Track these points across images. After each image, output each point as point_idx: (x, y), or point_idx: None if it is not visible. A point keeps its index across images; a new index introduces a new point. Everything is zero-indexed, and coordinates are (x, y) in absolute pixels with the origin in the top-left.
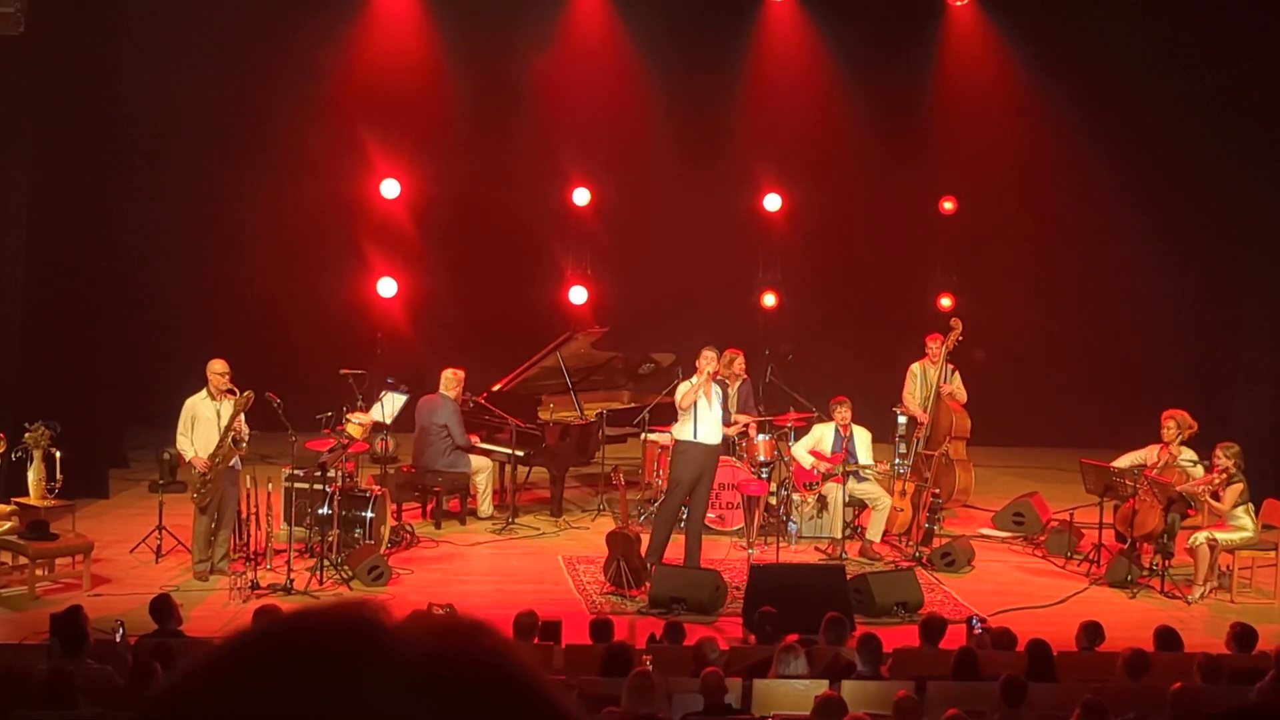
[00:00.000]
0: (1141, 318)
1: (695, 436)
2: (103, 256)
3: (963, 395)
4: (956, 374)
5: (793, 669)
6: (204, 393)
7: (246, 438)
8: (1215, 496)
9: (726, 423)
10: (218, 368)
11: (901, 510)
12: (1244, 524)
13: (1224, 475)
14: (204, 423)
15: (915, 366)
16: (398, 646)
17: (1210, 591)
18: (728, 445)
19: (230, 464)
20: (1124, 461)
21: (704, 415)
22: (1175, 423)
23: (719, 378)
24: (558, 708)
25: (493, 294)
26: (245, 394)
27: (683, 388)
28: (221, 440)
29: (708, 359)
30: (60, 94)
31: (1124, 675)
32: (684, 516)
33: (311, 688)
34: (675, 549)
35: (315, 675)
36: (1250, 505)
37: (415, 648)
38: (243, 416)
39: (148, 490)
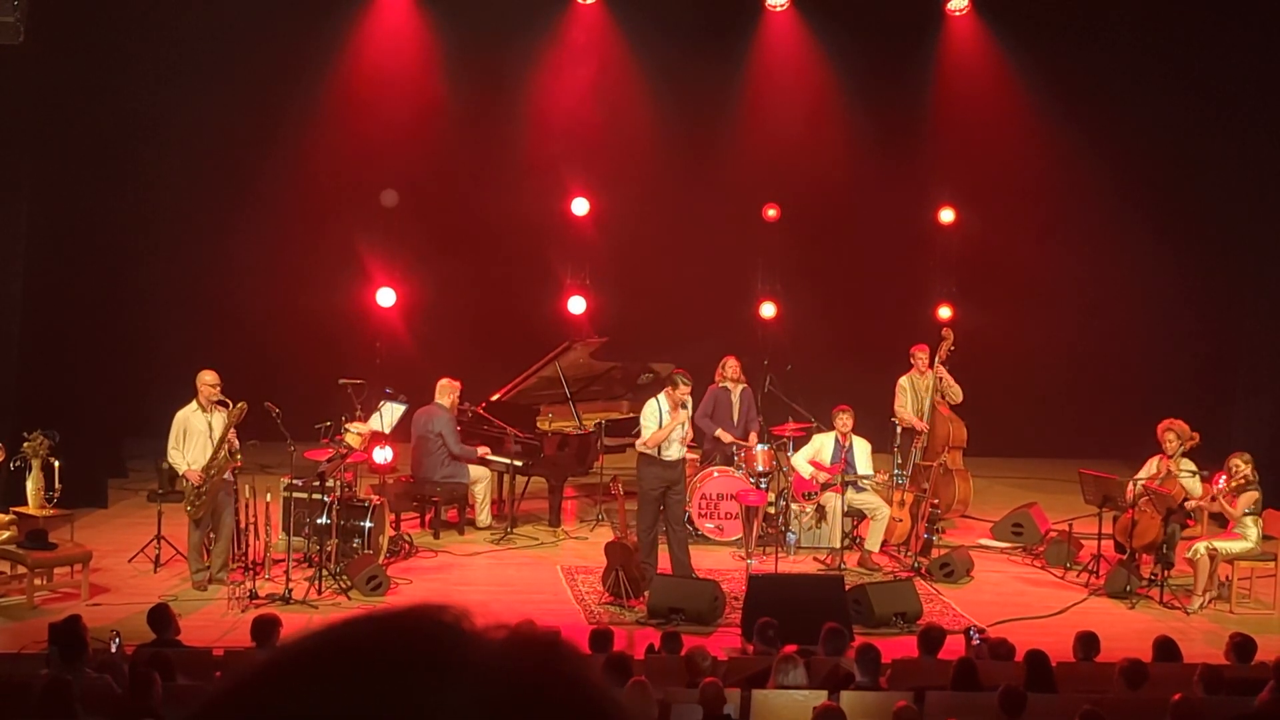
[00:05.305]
0: (1141, 327)
1: (660, 454)
2: (102, 266)
3: (958, 395)
4: (947, 377)
5: (791, 679)
6: (194, 405)
7: (238, 449)
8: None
9: (742, 434)
10: (208, 379)
11: (900, 520)
12: (1249, 533)
13: (1242, 480)
14: (196, 435)
15: (904, 380)
16: (475, 661)
17: (1209, 602)
18: (727, 456)
19: (224, 476)
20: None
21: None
22: (1175, 434)
23: (719, 386)
24: None
25: (491, 304)
26: (239, 405)
27: (650, 425)
28: (215, 452)
29: (683, 390)
30: (60, 103)
31: (1122, 686)
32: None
33: (382, 698)
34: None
35: (387, 686)
36: (1259, 518)
37: (493, 664)
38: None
39: (146, 500)
